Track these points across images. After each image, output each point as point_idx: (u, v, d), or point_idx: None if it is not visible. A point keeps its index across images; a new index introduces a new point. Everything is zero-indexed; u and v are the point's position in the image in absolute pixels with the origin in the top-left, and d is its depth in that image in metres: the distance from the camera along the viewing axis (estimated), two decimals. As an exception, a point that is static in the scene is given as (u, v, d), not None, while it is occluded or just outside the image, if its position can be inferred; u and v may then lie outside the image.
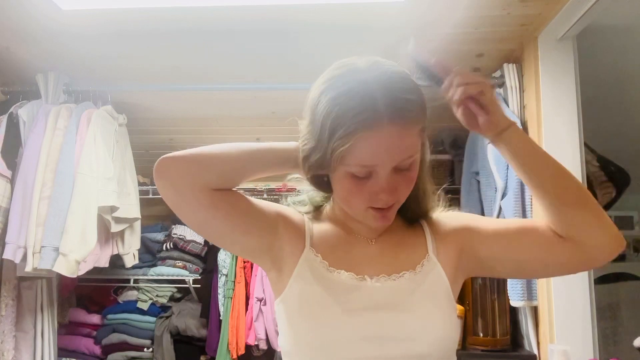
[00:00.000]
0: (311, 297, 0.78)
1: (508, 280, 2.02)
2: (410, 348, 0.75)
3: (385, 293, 0.78)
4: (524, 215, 2.02)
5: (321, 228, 0.88)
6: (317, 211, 0.92)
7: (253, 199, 0.86)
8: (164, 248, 2.86)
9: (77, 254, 2.10)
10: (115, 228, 2.34)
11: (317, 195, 0.91)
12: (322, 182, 0.84)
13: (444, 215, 0.91)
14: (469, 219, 0.89)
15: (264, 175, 0.83)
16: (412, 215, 0.90)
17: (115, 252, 2.48)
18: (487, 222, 0.88)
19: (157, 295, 2.84)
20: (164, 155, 0.77)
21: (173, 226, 2.94)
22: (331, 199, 0.91)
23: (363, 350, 0.74)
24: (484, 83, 0.77)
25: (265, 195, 3.01)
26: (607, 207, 2.74)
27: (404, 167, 0.75)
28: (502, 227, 0.86)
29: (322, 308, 0.76)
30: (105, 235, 2.39)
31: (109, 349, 2.73)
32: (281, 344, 0.82)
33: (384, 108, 0.70)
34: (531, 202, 2.03)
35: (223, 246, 0.90)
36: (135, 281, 2.81)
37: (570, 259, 0.81)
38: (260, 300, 2.74)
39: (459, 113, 0.80)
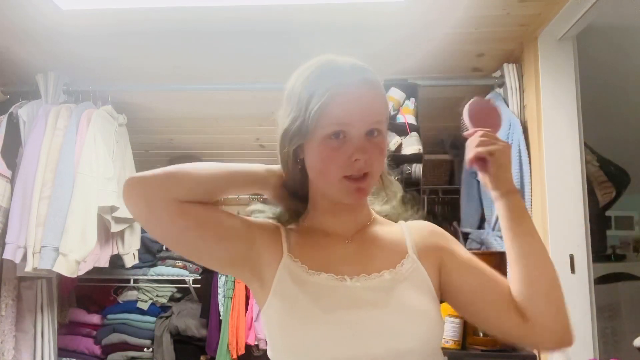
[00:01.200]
0: (293, 301, 0.78)
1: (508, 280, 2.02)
2: (394, 344, 0.75)
3: (365, 292, 0.79)
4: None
5: (297, 233, 0.88)
6: (290, 220, 0.91)
7: (226, 211, 0.86)
8: (164, 248, 2.86)
9: (77, 254, 2.10)
10: (115, 228, 2.34)
11: (284, 212, 0.91)
12: (296, 175, 0.85)
13: (424, 225, 0.92)
14: (451, 241, 0.90)
15: (233, 194, 0.88)
16: (395, 213, 0.93)
17: (115, 252, 2.48)
18: (465, 253, 0.89)
19: (157, 295, 2.84)
20: (133, 175, 0.82)
21: (173, 226, 2.94)
22: (306, 209, 0.91)
23: (347, 350, 0.74)
24: (497, 147, 0.83)
25: (265, 195, 3.01)
26: (607, 207, 2.74)
27: (375, 133, 0.79)
28: (478, 266, 0.87)
29: (304, 311, 0.77)
30: (105, 235, 2.39)
31: (109, 349, 2.73)
32: (270, 354, 0.82)
33: (354, 73, 0.80)
34: (531, 203, 2.03)
35: (200, 261, 0.87)
36: (135, 281, 2.81)
37: (518, 332, 0.83)
38: (260, 300, 2.74)
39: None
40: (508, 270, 0.87)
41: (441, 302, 0.87)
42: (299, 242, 0.86)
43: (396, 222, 0.93)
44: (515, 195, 0.85)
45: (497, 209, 0.86)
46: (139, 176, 0.80)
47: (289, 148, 0.82)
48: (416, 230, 0.90)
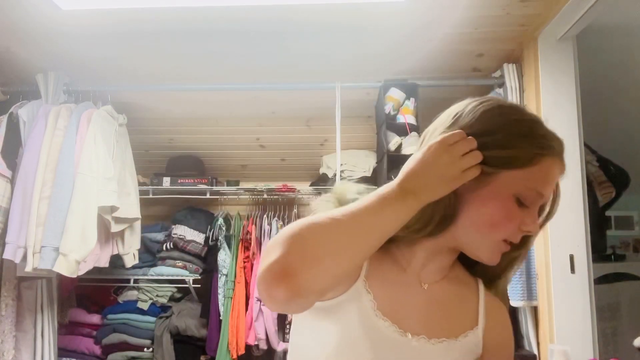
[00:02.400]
0: (349, 335, 0.74)
1: (508, 280, 2.02)
2: None
3: (421, 356, 0.75)
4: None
5: (378, 259, 0.79)
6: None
7: None
8: (164, 248, 2.86)
9: (77, 254, 2.10)
10: (115, 228, 2.34)
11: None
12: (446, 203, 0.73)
13: (504, 316, 0.85)
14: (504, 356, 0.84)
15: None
16: (491, 274, 0.84)
17: (115, 252, 2.48)
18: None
19: (157, 295, 2.83)
20: (270, 269, 0.61)
21: (173, 226, 2.94)
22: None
23: None
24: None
25: (265, 195, 3.01)
26: (607, 207, 2.74)
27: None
28: None
29: (354, 352, 0.73)
30: (105, 235, 2.39)
31: (109, 349, 2.72)
32: (296, 342, 0.79)
33: (562, 150, 0.75)
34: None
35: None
36: (135, 281, 2.81)
37: None
38: (260, 300, 2.74)
39: None
40: None
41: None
42: (377, 270, 0.78)
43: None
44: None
45: None
46: (283, 270, 0.61)
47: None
48: (494, 311, 0.83)
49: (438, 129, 0.75)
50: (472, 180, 0.70)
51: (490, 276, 0.83)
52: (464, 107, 0.75)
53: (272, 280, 0.60)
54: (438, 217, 0.73)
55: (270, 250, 0.62)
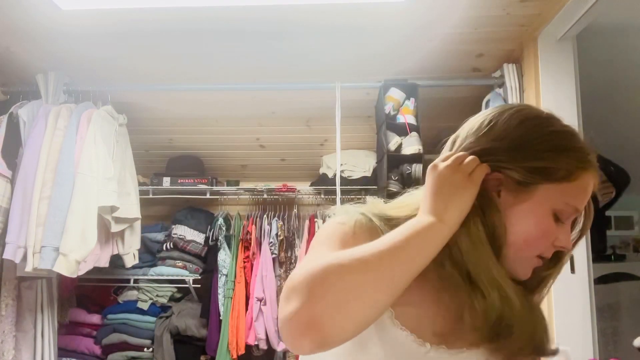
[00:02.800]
0: (365, 344, 0.70)
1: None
2: None
3: None
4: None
5: None
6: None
7: None
8: (164, 248, 2.86)
9: (77, 253, 2.10)
10: (115, 228, 2.34)
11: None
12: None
13: None
14: None
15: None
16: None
17: (115, 252, 2.48)
18: None
19: (157, 295, 2.84)
20: (302, 318, 0.57)
21: (173, 226, 2.94)
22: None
23: None
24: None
25: (265, 195, 3.01)
26: (607, 207, 2.74)
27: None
28: None
29: None
30: (105, 235, 2.39)
31: (109, 349, 2.73)
32: None
33: (596, 166, 0.73)
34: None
35: None
36: (135, 281, 2.81)
37: None
38: (260, 300, 2.74)
39: None
40: None
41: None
42: None
43: None
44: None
45: None
46: (308, 322, 0.57)
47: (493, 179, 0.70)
48: None
49: (469, 136, 0.73)
50: (511, 195, 0.69)
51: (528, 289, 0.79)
52: (499, 114, 0.73)
53: (296, 332, 0.56)
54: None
55: (291, 295, 0.58)
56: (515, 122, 0.71)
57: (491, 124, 0.72)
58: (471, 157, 0.69)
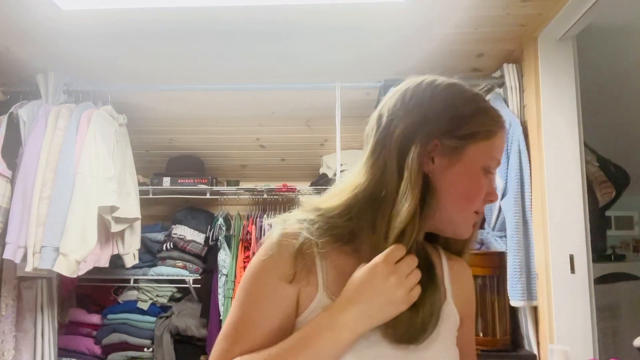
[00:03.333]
0: None
1: (508, 279, 2.02)
2: None
3: (397, 345, 0.71)
4: (523, 215, 2.02)
5: (336, 262, 0.74)
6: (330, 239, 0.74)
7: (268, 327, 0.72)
8: (164, 248, 2.86)
9: (77, 253, 2.10)
10: (115, 228, 2.34)
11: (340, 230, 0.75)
12: (411, 187, 0.71)
13: (467, 276, 0.86)
14: (473, 313, 0.87)
15: None
16: (454, 249, 0.84)
17: (116, 252, 2.48)
18: (471, 332, 0.86)
19: (157, 295, 2.83)
20: None
21: (173, 226, 2.94)
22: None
23: None
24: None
25: (265, 195, 3.01)
26: (607, 207, 2.74)
27: None
28: (471, 346, 0.86)
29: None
30: (106, 235, 2.39)
31: (109, 349, 2.73)
32: None
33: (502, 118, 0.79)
34: (531, 202, 2.03)
35: None
36: (136, 281, 2.81)
37: None
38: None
39: None
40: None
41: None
42: (336, 275, 0.73)
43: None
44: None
45: None
46: None
47: (419, 155, 0.72)
48: (458, 274, 0.83)
49: (393, 114, 0.76)
50: (445, 159, 0.73)
51: (454, 252, 0.85)
52: (416, 86, 0.79)
53: None
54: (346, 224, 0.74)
55: None
56: (436, 91, 0.77)
57: (414, 97, 0.77)
58: (417, 272, 0.70)
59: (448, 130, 0.73)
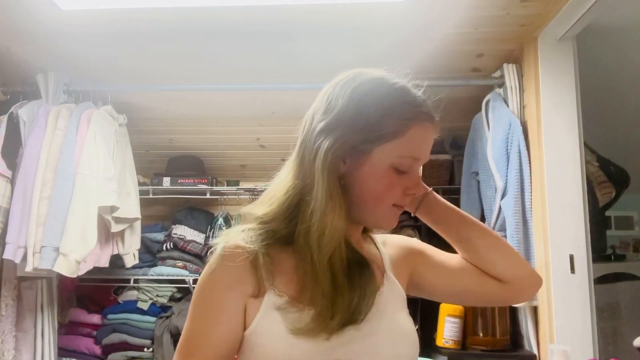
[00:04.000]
0: (285, 344, 0.71)
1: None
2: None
3: (352, 344, 0.73)
4: (523, 215, 2.02)
5: (279, 264, 0.76)
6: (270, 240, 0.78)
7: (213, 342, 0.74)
8: (164, 248, 2.86)
9: (77, 253, 2.10)
10: (115, 228, 2.34)
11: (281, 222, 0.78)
12: (334, 186, 0.75)
13: (396, 239, 0.94)
14: (420, 245, 0.93)
15: None
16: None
17: (116, 252, 2.48)
18: (434, 252, 0.93)
19: (157, 295, 2.83)
20: None
21: (173, 226, 2.94)
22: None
23: None
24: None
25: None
26: (607, 207, 2.75)
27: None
28: (446, 260, 0.92)
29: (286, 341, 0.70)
30: (106, 235, 2.39)
31: (109, 349, 2.72)
32: None
33: (429, 108, 0.78)
34: (531, 203, 2.03)
35: None
36: (136, 281, 2.81)
37: (498, 294, 0.90)
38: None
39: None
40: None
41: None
42: (281, 271, 0.76)
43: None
44: (431, 193, 0.90)
45: (421, 215, 0.91)
46: None
47: (331, 158, 0.74)
48: (390, 244, 0.91)
49: (316, 114, 0.79)
50: (354, 160, 0.75)
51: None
52: (334, 87, 0.79)
53: None
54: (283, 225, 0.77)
55: None
56: (347, 93, 0.76)
57: (329, 99, 0.77)
58: None
59: (356, 133, 0.74)
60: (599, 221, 2.68)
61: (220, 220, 2.92)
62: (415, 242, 0.94)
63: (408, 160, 0.76)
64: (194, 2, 1.85)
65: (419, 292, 0.92)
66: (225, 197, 3.14)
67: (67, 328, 2.82)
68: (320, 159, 0.74)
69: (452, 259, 0.92)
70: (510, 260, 0.88)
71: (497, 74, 2.26)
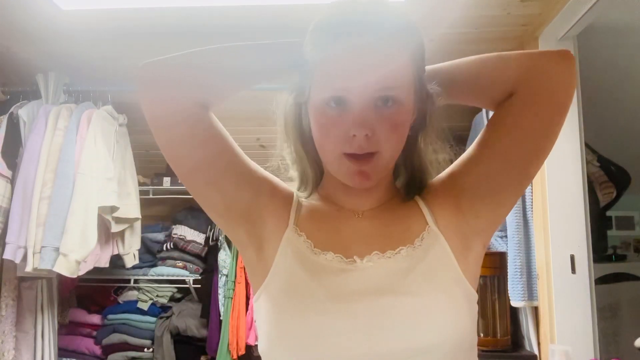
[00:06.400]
0: (293, 284, 0.67)
1: (509, 280, 2.02)
2: (410, 340, 0.63)
3: (378, 274, 0.67)
4: (524, 215, 2.02)
5: (310, 205, 0.77)
6: (308, 189, 0.81)
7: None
8: (164, 248, 2.86)
9: (77, 254, 2.10)
10: (115, 228, 2.34)
11: (306, 167, 0.80)
12: (301, 138, 0.77)
13: (433, 186, 0.80)
14: (449, 168, 0.81)
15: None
16: (408, 192, 0.79)
17: (116, 252, 2.48)
18: (459, 161, 0.81)
19: (157, 296, 2.83)
20: (151, 62, 0.76)
21: (173, 226, 2.94)
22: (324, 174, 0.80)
23: (353, 344, 0.62)
24: None
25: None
26: (607, 207, 2.74)
27: (389, 102, 0.64)
28: (468, 155, 0.80)
29: (305, 295, 0.66)
30: (106, 235, 2.39)
31: (109, 349, 2.72)
32: (261, 347, 0.72)
33: (364, 20, 0.64)
34: (531, 203, 2.03)
35: (191, 187, 0.75)
36: (136, 281, 2.81)
37: (538, 107, 0.74)
38: (260, 300, 2.74)
39: None
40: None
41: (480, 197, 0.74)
42: (309, 214, 0.76)
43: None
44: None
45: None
46: (161, 64, 0.78)
47: (290, 106, 0.76)
48: (430, 196, 0.77)
49: None
50: (305, 118, 0.74)
51: (414, 187, 0.79)
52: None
53: None
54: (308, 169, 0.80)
55: None
56: (309, 30, 0.72)
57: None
58: None
59: (296, 88, 0.74)
60: (599, 221, 2.68)
61: (221, 221, 2.92)
62: (448, 169, 0.81)
63: (330, 92, 0.65)
64: (194, 2, 1.85)
65: (483, 209, 0.74)
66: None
67: (67, 328, 2.82)
68: (281, 126, 0.78)
69: (472, 149, 0.79)
70: (522, 61, 0.76)
71: (498, 73, 2.26)
